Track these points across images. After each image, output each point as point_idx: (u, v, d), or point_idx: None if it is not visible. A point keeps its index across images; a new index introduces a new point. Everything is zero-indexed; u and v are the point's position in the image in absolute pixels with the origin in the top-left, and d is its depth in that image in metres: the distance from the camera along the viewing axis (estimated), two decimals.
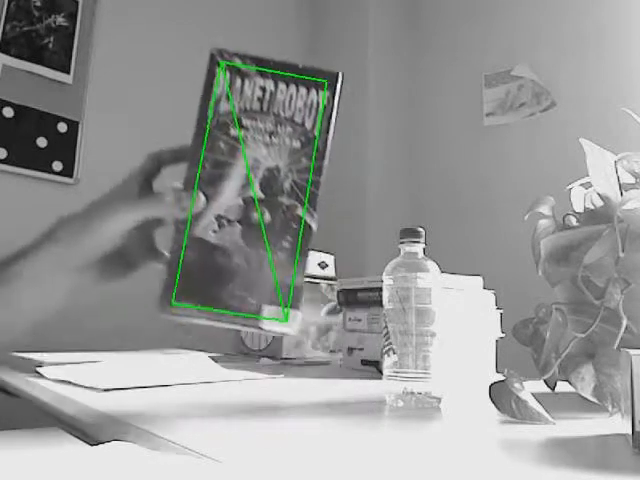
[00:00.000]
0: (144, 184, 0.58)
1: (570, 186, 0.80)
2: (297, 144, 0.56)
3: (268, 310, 0.54)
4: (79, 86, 1.66)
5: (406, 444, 0.51)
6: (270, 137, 0.56)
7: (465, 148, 1.72)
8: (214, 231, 0.54)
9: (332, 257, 1.41)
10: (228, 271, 0.54)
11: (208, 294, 0.53)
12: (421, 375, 0.66)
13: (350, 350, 1.10)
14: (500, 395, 0.60)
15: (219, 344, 1.40)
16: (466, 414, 0.67)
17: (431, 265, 0.69)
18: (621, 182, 0.69)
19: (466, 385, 0.85)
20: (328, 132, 0.56)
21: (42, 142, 1.62)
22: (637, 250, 0.65)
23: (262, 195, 0.55)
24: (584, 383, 0.63)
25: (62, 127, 1.64)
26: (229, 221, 0.55)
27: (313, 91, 0.56)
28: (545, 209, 0.78)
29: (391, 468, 0.42)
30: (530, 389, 0.60)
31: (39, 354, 1.03)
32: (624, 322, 0.63)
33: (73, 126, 1.66)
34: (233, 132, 0.55)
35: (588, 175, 0.70)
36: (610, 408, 0.61)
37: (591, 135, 0.72)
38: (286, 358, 1.23)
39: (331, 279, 1.36)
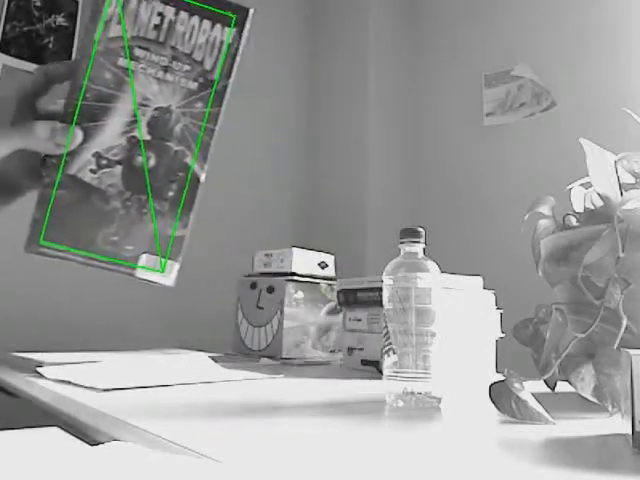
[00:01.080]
0: (24, 106, 0.52)
1: (570, 186, 0.80)
2: (194, 85, 0.51)
3: (145, 259, 0.51)
4: None
5: (406, 444, 0.51)
6: (164, 73, 0.50)
7: (465, 148, 1.72)
8: (92, 171, 0.50)
9: (332, 257, 1.41)
10: (104, 215, 0.50)
11: (81, 237, 0.50)
12: (421, 375, 0.66)
13: (350, 350, 1.10)
14: (500, 395, 0.60)
15: (219, 344, 1.40)
16: (466, 414, 0.67)
17: (431, 265, 0.69)
18: (621, 182, 0.69)
19: (466, 385, 0.85)
20: (230, 76, 0.51)
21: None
22: (637, 250, 0.65)
23: (149, 137, 0.50)
24: (584, 383, 0.63)
25: None
26: (109, 161, 0.50)
27: (218, 26, 0.50)
28: (545, 209, 0.78)
29: (391, 468, 0.42)
30: (530, 389, 0.60)
31: (39, 354, 1.03)
32: (624, 322, 0.63)
33: None
34: (122, 62, 0.49)
35: (588, 175, 0.70)
36: (610, 408, 0.61)
37: (591, 135, 0.72)
38: (286, 358, 1.23)
39: (331, 279, 1.36)
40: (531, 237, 0.78)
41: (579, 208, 0.78)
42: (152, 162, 0.51)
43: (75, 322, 1.43)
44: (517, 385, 0.59)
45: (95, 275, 1.46)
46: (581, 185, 0.79)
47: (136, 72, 0.50)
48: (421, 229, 0.71)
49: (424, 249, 0.71)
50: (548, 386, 0.76)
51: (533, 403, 0.58)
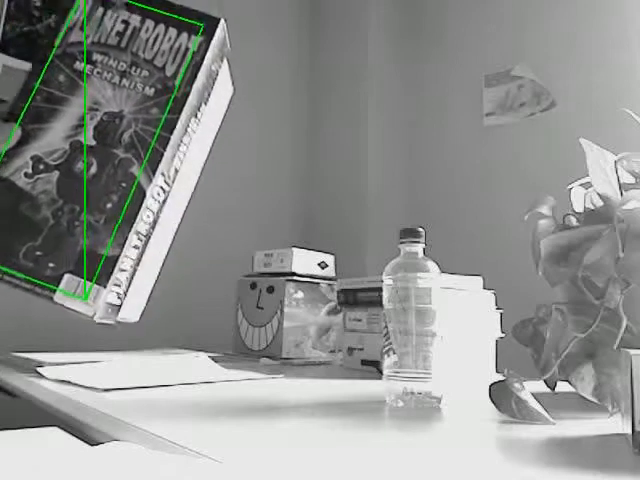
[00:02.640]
0: None
1: (570, 186, 0.80)
2: (151, 91, 0.47)
3: (67, 281, 0.44)
4: None
5: (406, 444, 0.51)
6: (120, 78, 0.48)
7: (465, 148, 1.72)
8: (26, 175, 0.45)
9: (332, 257, 1.41)
10: (31, 225, 0.45)
11: (1, 248, 0.44)
12: (421, 375, 0.66)
13: (350, 350, 1.10)
14: (500, 395, 0.60)
15: (219, 344, 1.40)
16: (466, 414, 0.67)
17: (431, 265, 0.69)
18: (621, 182, 0.69)
19: (466, 385, 0.85)
20: (192, 84, 0.48)
21: None
22: (637, 250, 0.65)
23: (93, 142, 0.46)
24: (584, 383, 0.64)
25: None
26: (47, 166, 0.46)
27: (184, 34, 0.48)
28: (545, 209, 0.78)
29: (391, 468, 0.42)
30: (530, 389, 0.60)
31: (39, 354, 1.03)
32: (624, 322, 0.63)
33: None
34: (78, 66, 0.47)
35: (588, 175, 0.70)
36: (610, 408, 0.61)
37: (591, 135, 0.72)
38: (286, 358, 1.24)
39: (331, 279, 1.36)
40: (531, 237, 0.78)
41: (579, 208, 0.78)
42: (93, 169, 0.46)
43: (75, 322, 1.43)
44: (517, 385, 0.59)
45: None
46: (581, 185, 0.79)
47: (91, 76, 0.48)
48: (421, 229, 0.71)
49: (424, 249, 0.71)
50: (548, 386, 0.76)
51: (533, 403, 0.58)
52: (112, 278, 0.45)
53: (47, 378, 0.82)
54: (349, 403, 0.72)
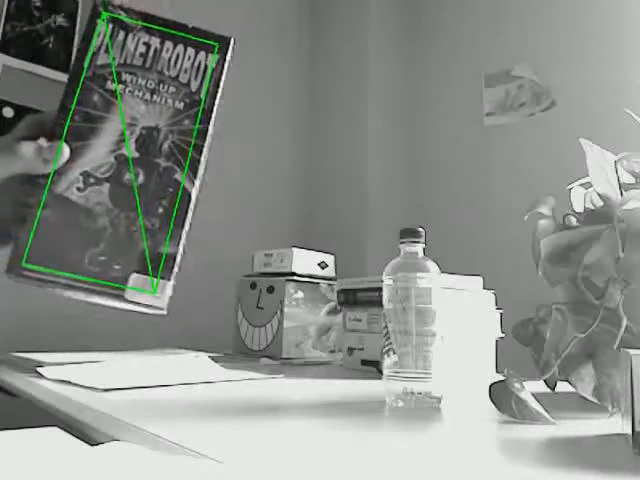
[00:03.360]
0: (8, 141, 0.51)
1: (570, 186, 0.80)
2: (180, 105, 0.53)
3: (135, 279, 0.49)
4: None
5: (406, 444, 0.51)
6: (151, 95, 0.53)
7: (465, 148, 1.72)
8: (78, 189, 0.50)
9: (332, 257, 1.41)
10: (91, 234, 0.49)
11: (66, 258, 0.48)
12: (421, 375, 0.66)
13: (350, 350, 1.10)
14: (500, 395, 0.60)
15: (219, 344, 1.40)
16: (466, 414, 0.67)
17: (431, 265, 0.69)
18: (621, 182, 0.69)
19: (466, 385, 0.85)
20: (215, 96, 0.54)
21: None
22: (637, 250, 0.64)
23: (137, 154, 0.51)
24: (584, 383, 0.64)
25: None
26: (97, 179, 0.50)
27: (202, 53, 0.54)
28: (545, 209, 0.78)
29: (391, 468, 0.42)
30: (530, 389, 0.60)
31: (39, 354, 1.03)
32: (624, 322, 0.63)
33: None
34: (110, 86, 0.52)
35: (588, 175, 0.70)
36: (610, 408, 0.61)
37: (591, 135, 0.72)
38: (286, 358, 1.24)
39: (331, 279, 1.36)
40: (531, 237, 0.78)
41: (579, 208, 0.78)
42: (141, 179, 0.51)
43: (75, 322, 1.43)
44: (517, 385, 0.59)
45: None
46: (581, 185, 0.79)
47: (123, 95, 0.52)
48: (421, 229, 0.71)
49: (424, 249, 0.71)
50: (548, 386, 0.76)
51: (533, 403, 0.58)
52: (174, 273, 0.50)
53: (47, 378, 0.82)
54: (349, 403, 0.72)
